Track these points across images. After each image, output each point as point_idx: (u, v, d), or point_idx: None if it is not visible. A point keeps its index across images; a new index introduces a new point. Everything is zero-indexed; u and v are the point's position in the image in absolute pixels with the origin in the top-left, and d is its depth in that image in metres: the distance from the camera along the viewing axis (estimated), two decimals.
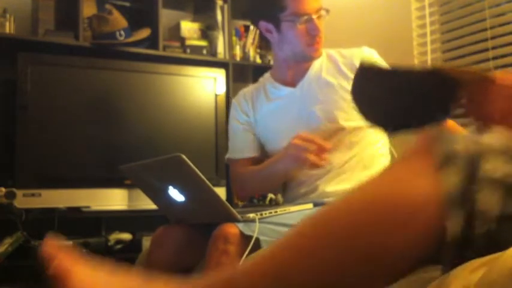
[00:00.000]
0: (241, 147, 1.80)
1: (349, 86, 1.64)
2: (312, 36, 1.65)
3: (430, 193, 0.67)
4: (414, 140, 0.75)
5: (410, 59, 2.72)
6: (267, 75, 1.84)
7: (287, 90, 1.74)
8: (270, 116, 1.75)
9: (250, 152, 1.78)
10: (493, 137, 0.72)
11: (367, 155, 1.66)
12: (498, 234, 0.65)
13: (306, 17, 1.62)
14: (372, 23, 2.91)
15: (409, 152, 0.74)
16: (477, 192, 0.66)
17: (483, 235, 0.65)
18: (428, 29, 2.69)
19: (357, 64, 1.64)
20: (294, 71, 1.73)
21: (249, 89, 1.86)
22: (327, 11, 1.66)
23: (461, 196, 0.66)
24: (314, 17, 1.63)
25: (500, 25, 2.40)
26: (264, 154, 1.79)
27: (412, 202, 0.68)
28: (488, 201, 0.65)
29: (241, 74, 3.20)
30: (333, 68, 1.71)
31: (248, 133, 1.79)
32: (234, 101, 1.86)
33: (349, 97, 1.63)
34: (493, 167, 0.67)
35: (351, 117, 1.62)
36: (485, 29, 2.44)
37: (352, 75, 1.65)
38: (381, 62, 1.66)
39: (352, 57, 1.70)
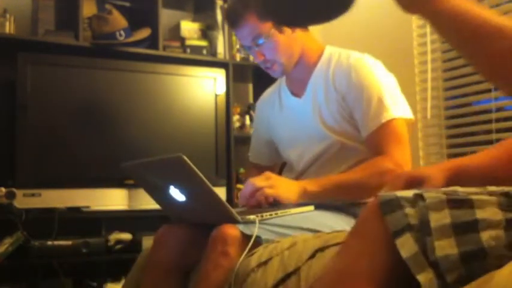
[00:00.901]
0: (252, 151, 1.94)
1: (342, 101, 1.57)
2: (260, 62, 1.65)
3: (391, 263, 0.72)
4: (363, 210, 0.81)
5: (410, 59, 2.72)
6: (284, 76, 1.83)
7: (294, 100, 1.72)
8: (280, 122, 1.77)
9: (256, 159, 1.92)
10: (433, 191, 0.77)
11: None
12: (471, 278, 0.67)
13: (245, 47, 1.67)
14: (372, 23, 2.91)
15: (361, 224, 0.79)
16: (433, 242, 0.70)
17: (457, 282, 0.68)
18: (428, 29, 2.69)
19: (340, 87, 1.56)
20: (295, 76, 1.70)
21: (267, 92, 1.88)
22: (266, 38, 1.57)
23: (422, 255, 0.70)
24: (253, 47, 1.61)
25: None
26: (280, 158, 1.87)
27: (377, 277, 0.73)
28: (446, 246, 0.69)
29: (241, 74, 3.20)
30: (328, 80, 1.63)
31: (260, 140, 1.88)
32: (257, 106, 1.94)
33: (342, 110, 1.58)
34: (441, 217, 0.72)
35: (347, 132, 1.59)
36: None
37: (337, 96, 1.57)
38: None
39: (340, 77, 1.59)
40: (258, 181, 1.44)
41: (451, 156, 2.60)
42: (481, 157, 0.99)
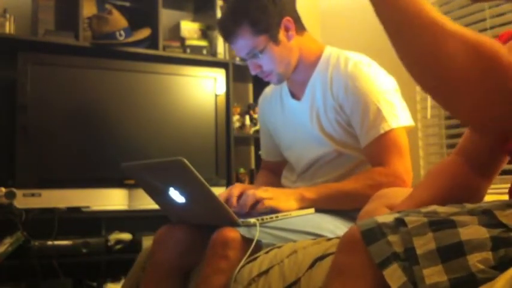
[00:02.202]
0: (263, 148, 1.91)
1: (340, 109, 1.56)
2: (257, 73, 1.63)
3: None
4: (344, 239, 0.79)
5: None
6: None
7: (293, 103, 1.70)
8: (281, 123, 1.76)
9: (266, 156, 1.89)
10: (413, 213, 0.76)
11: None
12: None
13: (242, 58, 1.65)
14: (372, 23, 2.90)
15: (341, 261, 0.77)
16: (421, 271, 0.69)
17: None
18: None
19: (337, 95, 1.54)
20: (295, 79, 1.67)
21: (269, 89, 1.85)
22: (261, 51, 1.55)
23: (411, 284, 0.69)
24: (248, 59, 1.60)
25: (500, 25, 2.40)
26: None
27: None
28: (434, 273, 0.69)
29: (241, 74, 3.20)
30: (326, 85, 1.60)
31: (267, 137, 1.86)
32: (258, 102, 1.91)
33: (340, 119, 1.56)
34: (425, 241, 0.71)
35: (345, 141, 1.58)
36: (485, 29, 2.44)
37: (335, 104, 1.55)
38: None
39: (338, 85, 1.55)
40: (258, 192, 1.43)
41: None
42: (419, 194, 1.01)
